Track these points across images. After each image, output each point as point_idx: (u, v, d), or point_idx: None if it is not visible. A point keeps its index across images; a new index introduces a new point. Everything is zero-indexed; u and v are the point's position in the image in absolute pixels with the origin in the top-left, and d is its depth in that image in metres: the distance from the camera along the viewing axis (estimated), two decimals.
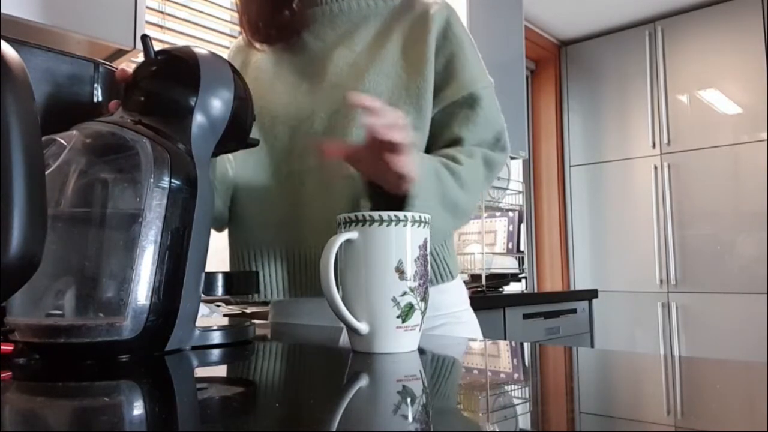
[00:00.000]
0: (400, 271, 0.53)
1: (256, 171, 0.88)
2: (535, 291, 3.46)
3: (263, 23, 0.93)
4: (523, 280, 2.76)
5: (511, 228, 2.62)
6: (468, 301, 0.96)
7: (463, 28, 0.90)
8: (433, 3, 0.90)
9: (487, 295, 2.16)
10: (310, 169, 0.85)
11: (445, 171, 0.79)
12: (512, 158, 2.65)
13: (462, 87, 0.86)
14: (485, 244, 2.43)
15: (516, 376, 0.51)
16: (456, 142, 0.86)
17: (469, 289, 1.75)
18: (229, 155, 0.87)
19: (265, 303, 0.94)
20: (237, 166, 0.89)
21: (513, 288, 2.64)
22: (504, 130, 0.90)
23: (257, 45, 0.94)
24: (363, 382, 0.46)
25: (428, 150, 0.87)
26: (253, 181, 0.88)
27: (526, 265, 2.74)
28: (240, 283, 0.62)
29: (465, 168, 0.82)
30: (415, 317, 0.54)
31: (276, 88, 0.91)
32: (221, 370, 0.53)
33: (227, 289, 0.60)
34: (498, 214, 2.67)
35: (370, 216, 0.54)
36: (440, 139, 0.87)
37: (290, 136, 0.87)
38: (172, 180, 0.54)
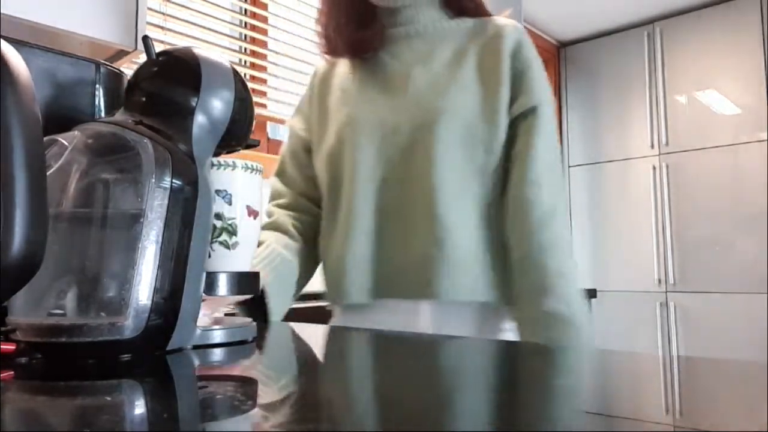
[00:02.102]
0: None
1: (336, 180, 0.96)
2: None
3: (343, 40, 0.98)
4: None
5: None
6: None
7: (533, 48, 0.95)
8: (505, 25, 0.95)
9: None
10: (393, 180, 0.91)
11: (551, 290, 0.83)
12: None
13: (528, 100, 0.90)
14: None
15: (515, 375, 0.51)
16: (524, 149, 0.89)
17: None
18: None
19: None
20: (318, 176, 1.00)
21: None
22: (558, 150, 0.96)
23: (328, 57, 1.02)
24: (367, 382, 0.46)
25: (505, 162, 0.91)
26: (334, 190, 0.96)
27: None
28: (242, 283, 0.62)
29: (562, 267, 0.85)
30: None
31: (360, 102, 0.96)
32: (222, 370, 0.53)
33: (230, 290, 0.60)
34: None
35: None
36: (512, 149, 0.91)
37: (375, 147, 0.92)
38: (174, 180, 0.54)
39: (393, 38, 0.97)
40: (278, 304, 0.89)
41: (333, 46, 0.99)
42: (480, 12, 0.98)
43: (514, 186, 0.88)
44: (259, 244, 0.93)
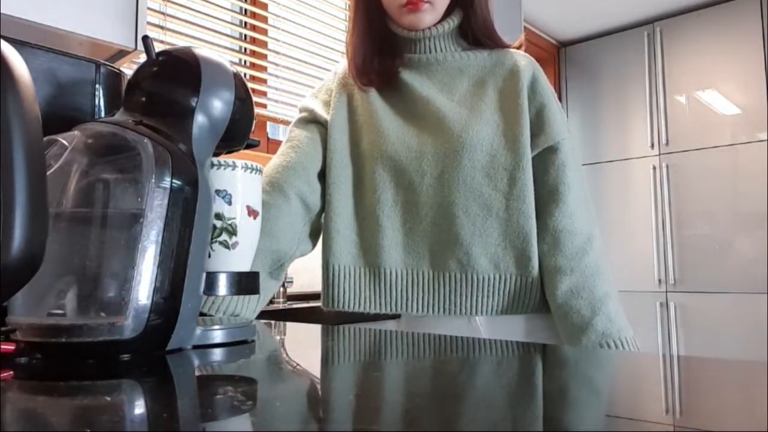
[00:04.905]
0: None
1: (357, 198, 0.99)
2: None
3: (368, 68, 1.01)
4: None
5: None
6: None
7: (546, 80, 1.00)
8: (521, 57, 1.00)
9: None
10: (418, 204, 0.95)
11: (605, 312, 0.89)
12: None
13: (551, 136, 0.95)
14: None
15: (515, 376, 0.51)
16: (557, 184, 0.95)
17: None
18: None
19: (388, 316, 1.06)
20: (332, 192, 0.99)
21: None
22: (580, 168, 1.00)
23: (362, 87, 1.02)
24: (366, 381, 0.46)
25: (535, 187, 0.95)
26: (344, 206, 0.99)
27: None
28: (242, 283, 0.62)
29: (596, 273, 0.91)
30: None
31: (385, 124, 0.98)
32: (222, 370, 0.53)
33: (230, 289, 0.60)
34: None
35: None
36: (542, 183, 0.96)
37: (397, 170, 0.96)
38: (173, 180, 0.54)
39: (413, 63, 1.00)
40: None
41: (363, 77, 1.01)
42: (494, 43, 1.01)
43: (551, 218, 0.93)
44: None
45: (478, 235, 0.92)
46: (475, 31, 0.99)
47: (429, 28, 0.97)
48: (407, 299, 0.96)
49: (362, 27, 1.02)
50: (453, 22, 0.98)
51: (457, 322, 0.97)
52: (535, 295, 0.93)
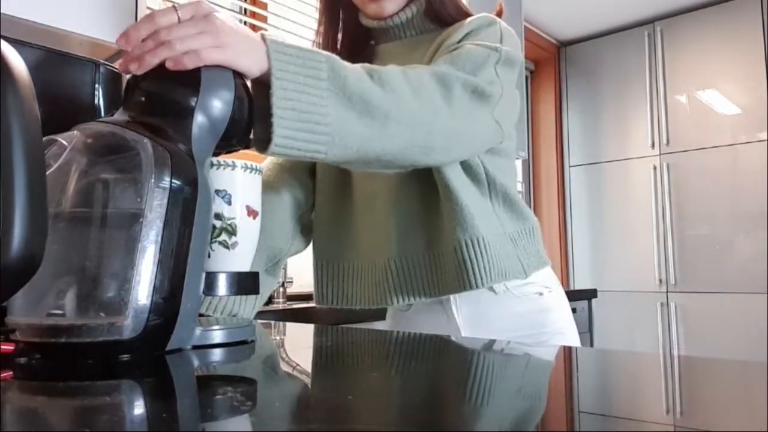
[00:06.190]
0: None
1: (330, 196, 0.99)
2: None
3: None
4: None
5: None
6: (570, 314, 1.01)
7: (495, 30, 0.87)
8: (474, 18, 0.92)
9: None
10: (376, 193, 0.94)
11: (341, 62, 0.67)
12: None
13: (455, 43, 0.84)
14: None
15: (514, 375, 0.51)
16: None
17: None
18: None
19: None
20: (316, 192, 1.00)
21: None
22: (486, 64, 0.81)
23: None
24: (366, 381, 0.46)
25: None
26: (327, 203, 1.00)
27: None
28: (241, 283, 0.62)
29: (389, 70, 0.70)
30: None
31: None
32: (222, 370, 0.53)
33: (230, 290, 0.60)
34: None
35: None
36: None
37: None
38: (173, 180, 0.54)
39: (387, 54, 1.00)
40: None
41: None
42: (458, 20, 0.95)
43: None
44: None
45: (429, 214, 0.91)
46: (440, 12, 0.97)
47: (392, 16, 0.96)
48: (388, 291, 0.93)
49: (327, 21, 1.02)
50: (419, 5, 0.97)
51: (437, 318, 0.96)
52: (494, 259, 0.88)
